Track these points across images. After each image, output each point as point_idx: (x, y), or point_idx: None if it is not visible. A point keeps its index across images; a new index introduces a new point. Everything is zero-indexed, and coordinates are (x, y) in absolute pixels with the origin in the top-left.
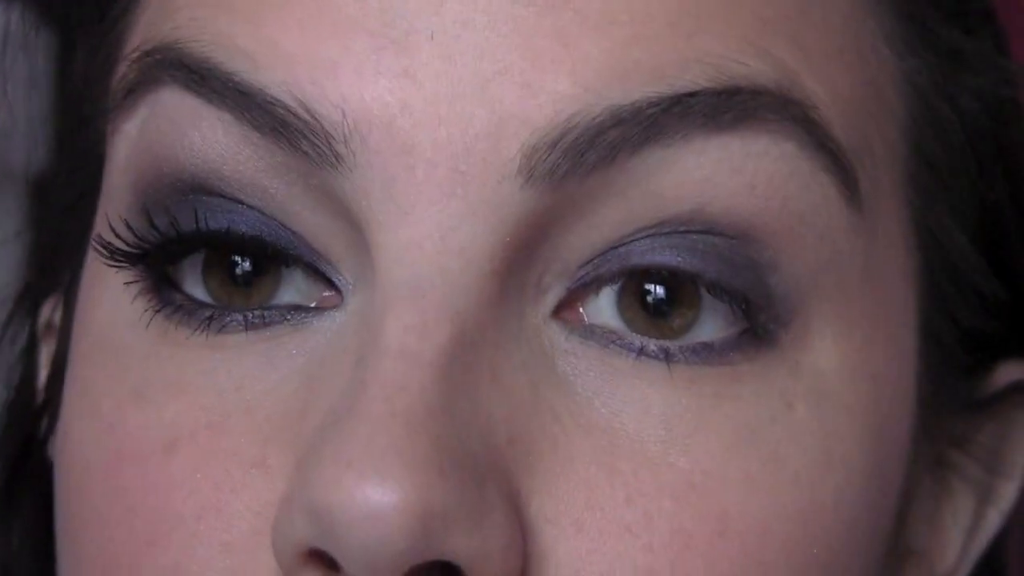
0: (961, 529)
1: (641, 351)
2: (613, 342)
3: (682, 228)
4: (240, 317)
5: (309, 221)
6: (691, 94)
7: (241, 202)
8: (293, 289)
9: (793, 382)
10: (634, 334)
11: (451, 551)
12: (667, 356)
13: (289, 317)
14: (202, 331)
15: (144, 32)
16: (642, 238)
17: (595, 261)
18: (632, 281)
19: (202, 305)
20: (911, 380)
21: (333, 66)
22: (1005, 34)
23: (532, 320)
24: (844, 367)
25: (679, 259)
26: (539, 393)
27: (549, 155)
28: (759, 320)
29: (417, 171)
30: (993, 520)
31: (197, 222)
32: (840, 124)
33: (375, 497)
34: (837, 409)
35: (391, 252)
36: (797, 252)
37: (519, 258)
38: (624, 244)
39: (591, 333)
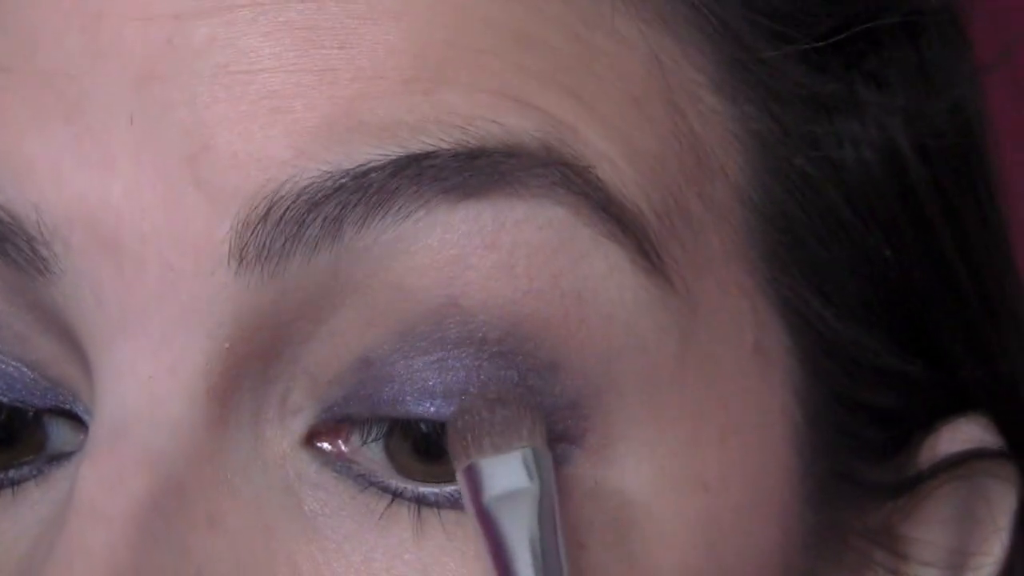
0: None
1: (397, 495)
2: (372, 483)
3: (435, 343)
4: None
5: (40, 347)
6: (425, 155)
7: None
8: (66, 428)
9: (589, 510)
10: (396, 475)
11: None
12: (421, 501)
13: (44, 470)
14: None
15: None
16: (390, 355)
17: (345, 386)
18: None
19: None
20: (777, 477)
21: (30, 162)
22: (933, 66)
23: (276, 447)
24: (661, 478)
25: (432, 408)
26: (274, 538)
27: (261, 230)
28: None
29: (125, 272)
30: None
31: None
32: (636, 183)
33: None
34: (653, 537)
35: (106, 379)
36: (582, 341)
37: (252, 371)
38: (370, 366)
39: (348, 469)
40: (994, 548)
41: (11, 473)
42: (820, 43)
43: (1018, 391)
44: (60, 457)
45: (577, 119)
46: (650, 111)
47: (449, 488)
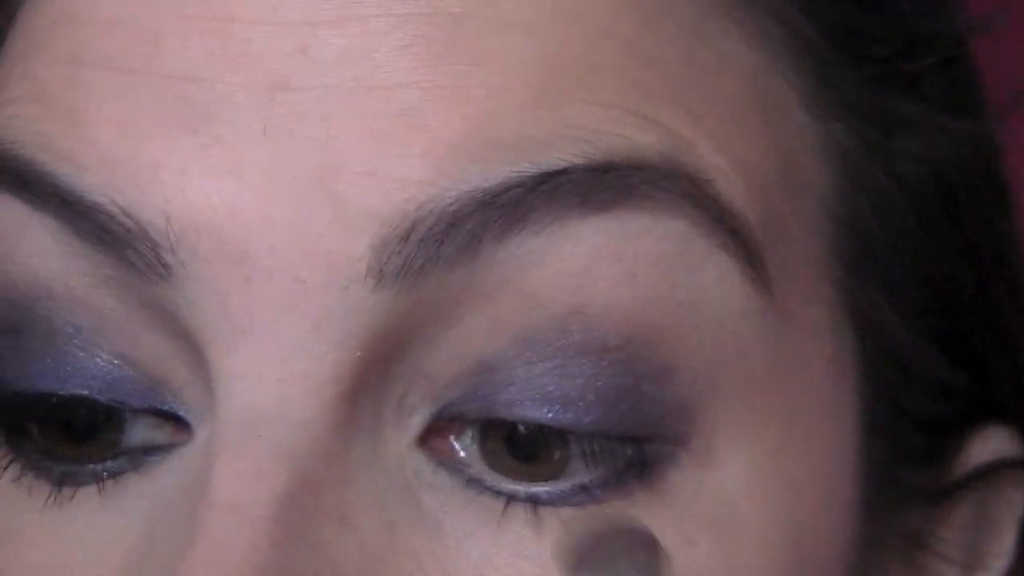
0: None
1: (511, 498)
2: (486, 488)
3: (558, 350)
4: (90, 469)
5: (147, 344)
6: (560, 172)
7: (73, 348)
8: (143, 425)
9: (695, 509)
10: (500, 476)
11: None
12: (536, 501)
13: (140, 461)
14: (52, 486)
15: None
16: (511, 361)
17: (461, 388)
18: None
19: (51, 459)
20: (847, 481)
21: (156, 168)
22: (964, 90)
23: (394, 447)
24: (755, 479)
25: (549, 415)
26: (398, 535)
27: (401, 249)
28: (650, 448)
29: (253, 283)
30: None
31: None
32: (744, 196)
33: None
34: (747, 535)
35: (229, 381)
36: (693, 347)
37: (374, 375)
38: (490, 371)
39: (459, 472)
40: (1005, 544)
41: (108, 464)
42: (903, 64)
43: None
44: (156, 450)
45: (693, 133)
46: (750, 126)
47: (561, 485)
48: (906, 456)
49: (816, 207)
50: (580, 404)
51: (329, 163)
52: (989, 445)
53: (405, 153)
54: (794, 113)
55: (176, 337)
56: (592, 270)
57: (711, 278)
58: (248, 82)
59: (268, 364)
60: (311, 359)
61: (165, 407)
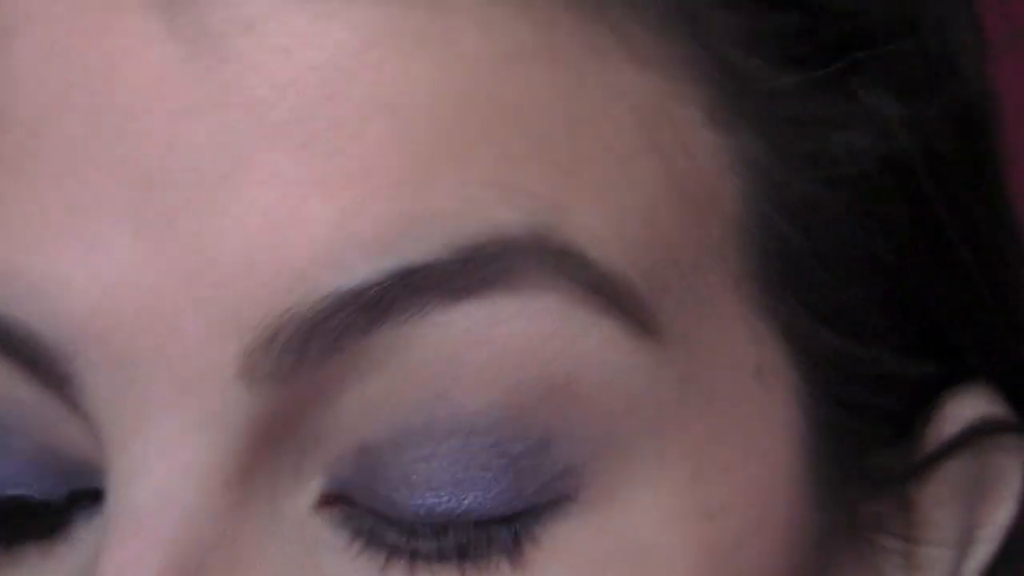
0: None
1: (393, 551)
2: (373, 538)
3: (425, 437)
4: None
5: (66, 436)
6: (418, 268)
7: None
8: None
9: (594, 555)
10: (390, 527)
11: None
12: (415, 555)
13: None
14: None
15: None
16: (384, 445)
17: (348, 467)
18: None
19: None
20: (786, 495)
21: (43, 277)
22: (933, 68)
23: (292, 513)
24: (667, 513)
25: (433, 499)
26: None
27: (267, 356)
28: (531, 515)
29: (138, 386)
30: None
31: None
32: (627, 253)
33: None
34: (658, 569)
35: (120, 477)
36: (574, 416)
37: (260, 458)
38: (368, 454)
39: (356, 529)
40: (999, 518)
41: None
42: (816, 62)
43: None
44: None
45: (565, 194)
46: (641, 165)
47: (444, 541)
48: (867, 445)
49: (724, 231)
50: (451, 489)
51: (195, 266)
52: (966, 411)
53: (269, 257)
54: (697, 133)
55: (87, 431)
56: (459, 356)
57: (592, 344)
58: (121, 180)
59: (155, 460)
60: (195, 452)
61: (95, 485)
